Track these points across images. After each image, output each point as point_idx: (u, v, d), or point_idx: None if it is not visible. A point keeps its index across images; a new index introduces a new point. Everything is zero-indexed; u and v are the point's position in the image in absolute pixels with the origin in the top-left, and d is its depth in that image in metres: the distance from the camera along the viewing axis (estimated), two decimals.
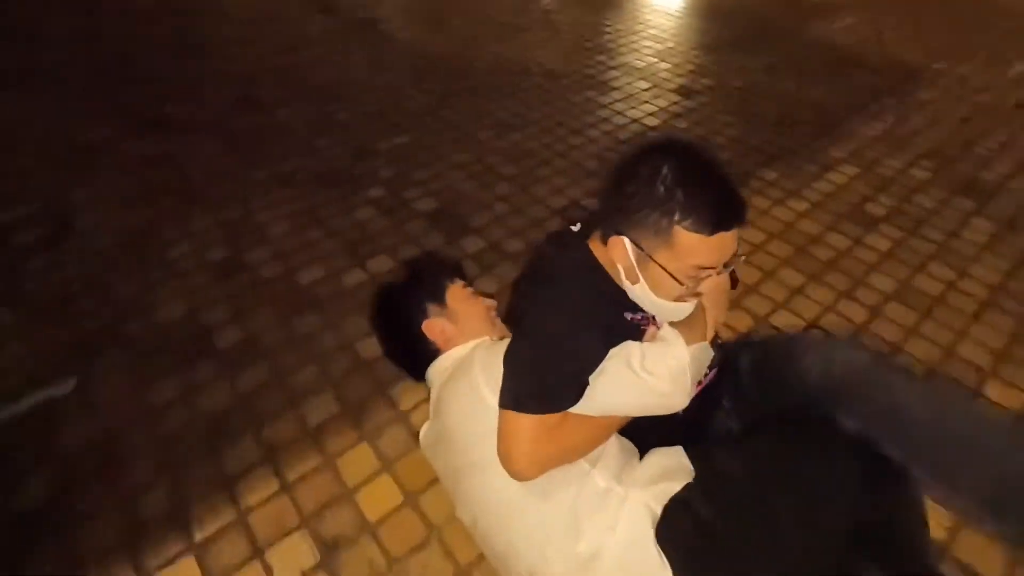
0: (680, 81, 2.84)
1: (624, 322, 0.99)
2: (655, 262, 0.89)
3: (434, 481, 1.22)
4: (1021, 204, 2.03)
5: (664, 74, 2.91)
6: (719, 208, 0.85)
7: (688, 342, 0.95)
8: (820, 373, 0.94)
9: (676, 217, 0.85)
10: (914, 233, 1.90)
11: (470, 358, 1.02)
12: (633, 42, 3.25)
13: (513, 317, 1.06)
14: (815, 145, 2.36)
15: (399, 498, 1.21)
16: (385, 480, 1.24)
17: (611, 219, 0.94)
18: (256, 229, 1.93)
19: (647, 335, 0.98)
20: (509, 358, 0.92)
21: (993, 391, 1.41)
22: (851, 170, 2.22)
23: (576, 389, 0.88)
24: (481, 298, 1.21)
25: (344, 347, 1.53)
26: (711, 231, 0.84)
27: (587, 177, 2.17)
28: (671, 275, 0.88)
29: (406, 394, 1.40)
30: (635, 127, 2.48)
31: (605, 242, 0.98)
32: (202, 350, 1.52)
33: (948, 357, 1.50)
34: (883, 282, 1.72)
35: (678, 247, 0.86)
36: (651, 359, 0.91)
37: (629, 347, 0.93)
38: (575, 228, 1.12)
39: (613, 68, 2.96)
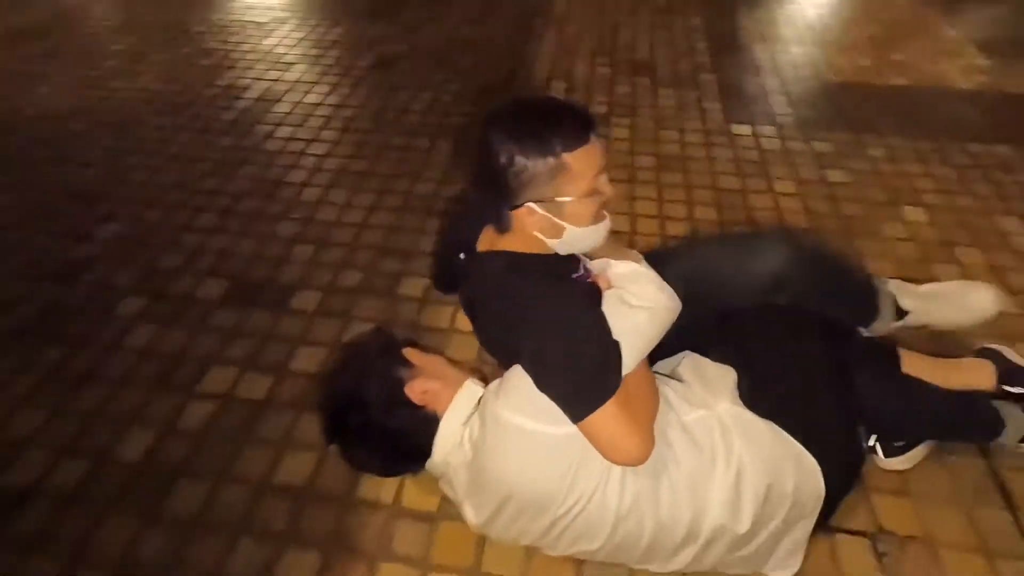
0: (370, 56, 2.76)
1: (576, 284, 1.02)
2: (566, 199, 0.92)
3: (479, 541, 1.09)
4: (673, 71, 2.64)
5: (348, 54, 2.78)
6: (578, 118, 0.92)
7: (635, 260, 1.02)
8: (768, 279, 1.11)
9: (558, 148, 0.89)
10: (634, 115, 2.33)
11: (492, 416, 0.90)
12: (285, 32, 2.97)
13: (504, 353, 0.99)
14: (501, 76, 2.62)
15: None
16: None
17: (499, 203, 0.95)
18: (14, 448, 1.28)
19: (601, 282, 1.02)
20: (546, 380, 0.88)
21: (754, 201, 1.90)
22: (561, 85, 2.54)
23: (616, 354, 0.89)
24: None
25: (279, 489, 1.19)
26: (587, 137, 0.91)
27: (364, 179, 2.01)
28: (584, 197, 0.92)
29: (379, 490, 1.18)
30: (366, 113, 2.36)
31: (504, 229, 0.99)
32: None
33: (718, 192, 1.94)
34: (644, 160, 2.09)
35: (574, 169, 0.90)
36: (636, 290, 0.97)
37: (612, 295, 0.97)
38: (462, 257, 1.10)
39: (295, 63, 2.70)
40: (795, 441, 0.93)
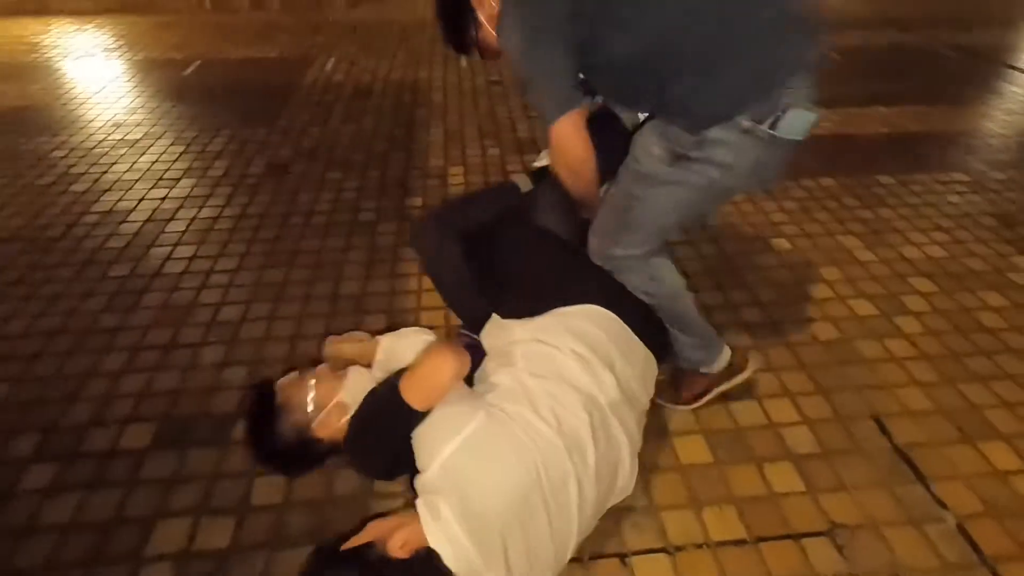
0: (260, 163, 2.74)
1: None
2: None
3: None
4: None
5: (236, 162, 2.74)
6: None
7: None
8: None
9: None
10: None
11: (437, 477, 1.02)
12: (163, 148, 2.87)
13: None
14: (398, 168, 2.75)
15: None
16: None
17: None
18: None
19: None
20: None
21: None
22: (459, 169, 2.70)
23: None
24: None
25: None
26: None
27: (285, 288, 1.96)
28: None
29: None
30: (270, 220, 2.32)
31: None
32: None
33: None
34: None
35: None
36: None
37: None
38: None
39: (180, 178, 2.59)
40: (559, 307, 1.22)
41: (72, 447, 1.45)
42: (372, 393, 1.16)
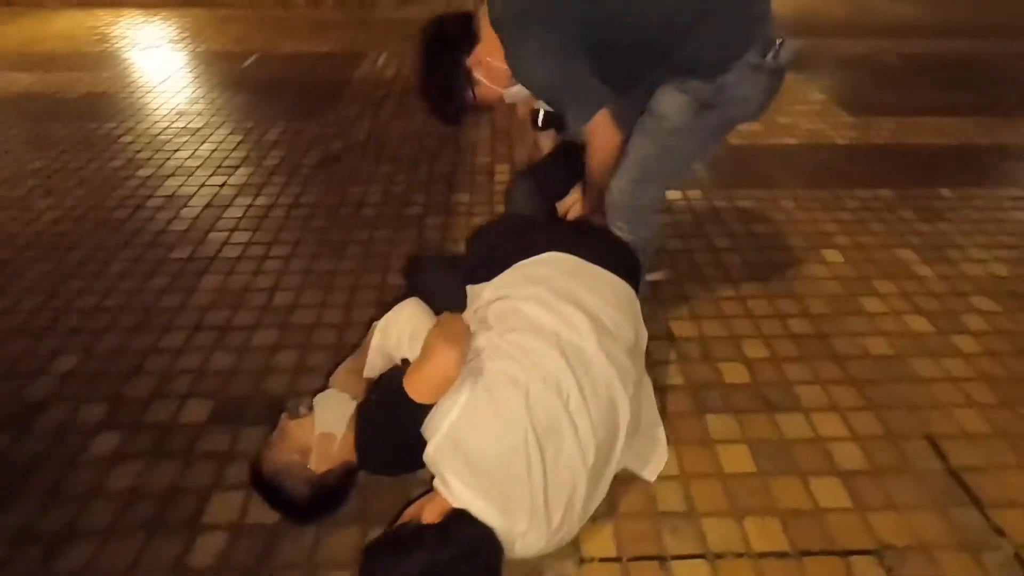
0: (314, 154, 2.82)
1: None
2: None
3: None
4: None
5: (291, 153, 2.83)
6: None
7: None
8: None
9: None
10: None
11: (448, 453, 1.07)
12: (223, 137, 2.99)
13: None
14: (445, 164, 2.79)
15: None
16: None
17: None
18: None
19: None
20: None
21: (699, 259, 2.12)
22: (504, 167, 2.73)
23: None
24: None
25: None
26: None
27: (334, 277, 2.02)
28: None
29: None
30: (321, 211, 2.39)
31: None
32: None
33: (670, 255, 2.14)
34: None
35: None
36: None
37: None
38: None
39: (238, 166, 2.70)
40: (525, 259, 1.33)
41: (136, 417, 1.54)
42: (376, 391, 1.22)
